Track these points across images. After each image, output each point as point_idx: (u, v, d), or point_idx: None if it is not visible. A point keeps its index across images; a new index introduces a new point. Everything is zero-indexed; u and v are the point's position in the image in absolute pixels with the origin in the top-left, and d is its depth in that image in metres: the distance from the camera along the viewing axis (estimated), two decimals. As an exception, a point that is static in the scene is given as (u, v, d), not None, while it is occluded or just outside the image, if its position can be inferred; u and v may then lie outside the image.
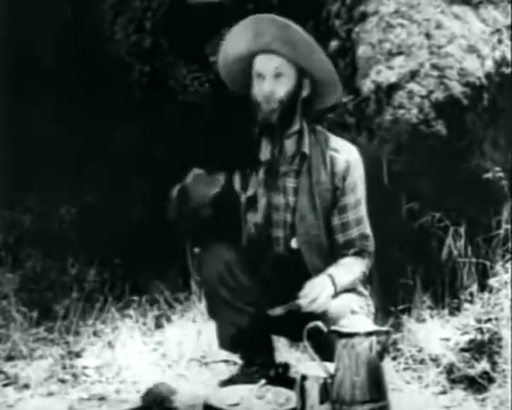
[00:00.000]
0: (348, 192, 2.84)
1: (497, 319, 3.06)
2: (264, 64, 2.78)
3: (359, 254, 2.87)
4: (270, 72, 2.77)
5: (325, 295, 2.70)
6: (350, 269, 2.82)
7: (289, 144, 2.85)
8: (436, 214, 3.55)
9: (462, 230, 3.50)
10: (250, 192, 2.85)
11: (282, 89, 2.78)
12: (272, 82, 2.77)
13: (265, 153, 2.85)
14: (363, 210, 2.88)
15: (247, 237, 2.86)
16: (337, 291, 2.74)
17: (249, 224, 2.85)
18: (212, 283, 2.81)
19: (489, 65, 3.74)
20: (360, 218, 2.87)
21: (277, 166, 2.84)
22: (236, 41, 2.82)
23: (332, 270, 2.77)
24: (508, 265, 3.30)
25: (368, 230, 2.89)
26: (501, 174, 3.51)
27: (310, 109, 2.90)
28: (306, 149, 2.84)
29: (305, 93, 2.84)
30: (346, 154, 2.87)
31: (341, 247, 2.86)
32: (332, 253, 2.86)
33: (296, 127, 2.85)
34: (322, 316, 2.65)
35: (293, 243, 2.83)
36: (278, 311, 2.70)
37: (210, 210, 2.75)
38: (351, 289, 2.82)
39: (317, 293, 2.69)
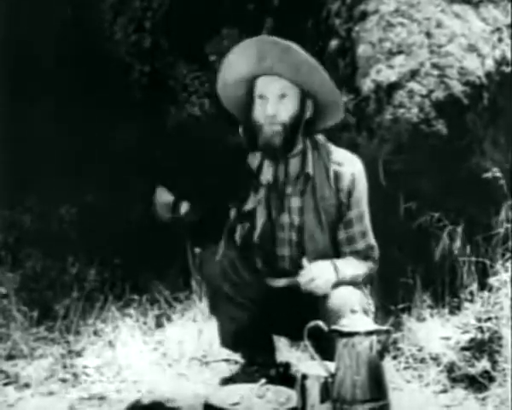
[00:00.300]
0: (353, 206, 2.85)
1: (497, 317, 3.06)
2: (267, 86, 2.76)
3: (364, 259, 2.88)
4: (273, 94, 2.75)
5: (325, 279, 2.72)
6: (354, 265, 2.84)
7: (293, 165, 2.84)
8: (435, 214, 3.55)
9: (461, 229, 3.50)
10: (248, 207, 2.84)
11: (285, 111, 2.76)
12: (275, 104, 2.75)
13: (267, 175, 2.84)
14: (367, 221, 2.89)
15: (244, 247, 2.86)
16: (338, 279, 2.75)
17: (242, 235, 2.85)
18: (216, 278, 2.82)
19: (489, 64, 3.74)
20: (365, 230, 2.88)
21: (282, 188, 2.83)
22: (237, 64, 2.79)
23: (336, 260, 2.79)
24: (508, 264, 3.30)
25: (372, 240, 2.90)
26: (499, 174, 3.51)
27: (312, 129, 2.88)
28: (310, 170, 2.83)
29: (308, 114, 2.82)
30: (350, 167, 2.85)
31: (346, 256, 2.87)
32: None
33: (299, 147, 2.83)
34: (324, 306, 2.67)
35: (305, 262, 2.81)
36: (278, 283, 2.75)
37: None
38: (353, 284, 2.82)
39: (317, 273, 2.71)
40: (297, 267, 2.81)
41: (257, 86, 2.79)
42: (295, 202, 2.84)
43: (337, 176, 2.84)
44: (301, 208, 2.83)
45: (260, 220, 2.83)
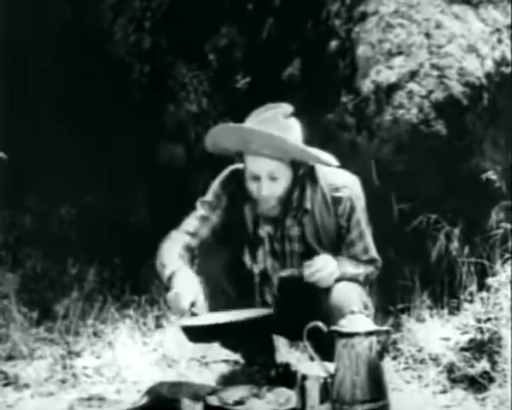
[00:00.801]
0: (353, 228, 2.85)
1: (496, 318, 3.06)
2: (257, 166, 2.73)
3: (366, 264, 2.89)
4: (264, 174, 2.72)
5: (329, 271, 2.72)
6: (355, 264, 2.85)
7: (291, 202, 2.85)
8: (433, 215, 3.55)
9: (460, 230, 3.50)
10: (261, 266, 2.87)
11: (279, 188, 2.74)
12: (268, 184, 2.73)
13: (266, 228, 2.85)
14: (368, 237, 2.89)
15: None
16: (339, 274, 2.75)
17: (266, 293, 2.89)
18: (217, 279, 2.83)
19: (489, 65, 3.74)
20: (367, 245, 2.89)
21: (282, 222, 2.83)
22: (221, 142, 2.77)
23: (339, 258, 2.80)
24: (507, 265, 3.29)
25: (375, 254, 2.91)
26: (494, 177, 3.51)
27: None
28: (308, 205, 2.82)
29: (301, 171, 2.80)
30: (347, 191, 2.83)
31: None
32: None
33: (296, 192, 2.82)
34: (326, 302, 2.68)
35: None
36: (282, 273, 2.80)
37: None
38: (354, 281, 2.82)
39: (320, 265, 2.71)
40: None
41: (247, 163, 2.76)
42: (294, 231, 2.85)
43: (335, 201, 2.83)
44: (300, 236, 2.84)
45: (275, 277, 2.88)
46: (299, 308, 2.74)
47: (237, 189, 2.84)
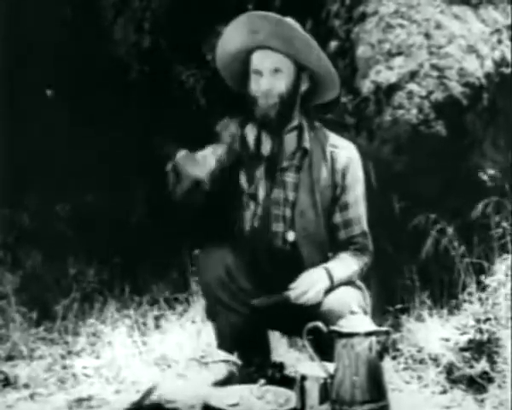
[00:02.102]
0: (349, 189, 2.84)
1: (496, 318, 3.06)
2: (261, 60, 2.77)
3: (360, 250, 2.87)
4: (267, 68, 2.76)
5: (317, 289, 2.69)
6: (348, 263, 2.82)
7: (289, 140, 2.85)
8: (432, 215, 3.55)
9: (459, 229, 3.50)
10: (252, 189, 2.84)
11: (280, 84, 2.77)
12: (270, 78, 2.76)
13: (266, 148, 2.85)
14: (362, 207, 2.88)
15: (246, 231, 2.85)
16: (333, 285, 2.74)
17: (249, 218, 2.85)
18: (213, 287, 2.80)
19: (488, 65, 3.75)
20: (360, 215, 2.87)
21: (277, 161, 2.84)
22: (231, 38, 2.81)
23: (329, 264, 2.77)
24: (506, 265, 3.29)
25: (366, 227, 2.89)
26: (487, 179, 3.52)
27: (309, 104, 2.89)
28: (307, 145, 2.84)
29: (303, 87, 2.83)
30: (346, 150, 2.87)
31: (343, 244, 2.86)
32: (332, 249, 2.86)
33: (295, 122, 2.85)
34: (317, 309, 2.65)
35: (290, 236, 2.81)
36: (263, 301, 2.70)
37: (201, 193, 2.71)
38: (348, 283, 2.81)
39: (308, 285, 2.69)
40: (286, 243, 2.80)
41: (252, 61, 2.80)
42: (290, 177, 2.85)
43: (333, 157, 2.85)
44: (296, 184, 2.83)
45: (261, 197, 2.84)
46: (297, 310, 2.73)
47: (237, 129, 2.87)
